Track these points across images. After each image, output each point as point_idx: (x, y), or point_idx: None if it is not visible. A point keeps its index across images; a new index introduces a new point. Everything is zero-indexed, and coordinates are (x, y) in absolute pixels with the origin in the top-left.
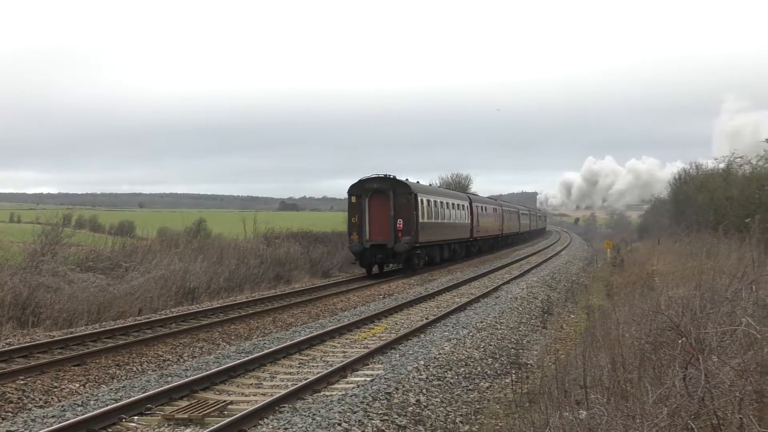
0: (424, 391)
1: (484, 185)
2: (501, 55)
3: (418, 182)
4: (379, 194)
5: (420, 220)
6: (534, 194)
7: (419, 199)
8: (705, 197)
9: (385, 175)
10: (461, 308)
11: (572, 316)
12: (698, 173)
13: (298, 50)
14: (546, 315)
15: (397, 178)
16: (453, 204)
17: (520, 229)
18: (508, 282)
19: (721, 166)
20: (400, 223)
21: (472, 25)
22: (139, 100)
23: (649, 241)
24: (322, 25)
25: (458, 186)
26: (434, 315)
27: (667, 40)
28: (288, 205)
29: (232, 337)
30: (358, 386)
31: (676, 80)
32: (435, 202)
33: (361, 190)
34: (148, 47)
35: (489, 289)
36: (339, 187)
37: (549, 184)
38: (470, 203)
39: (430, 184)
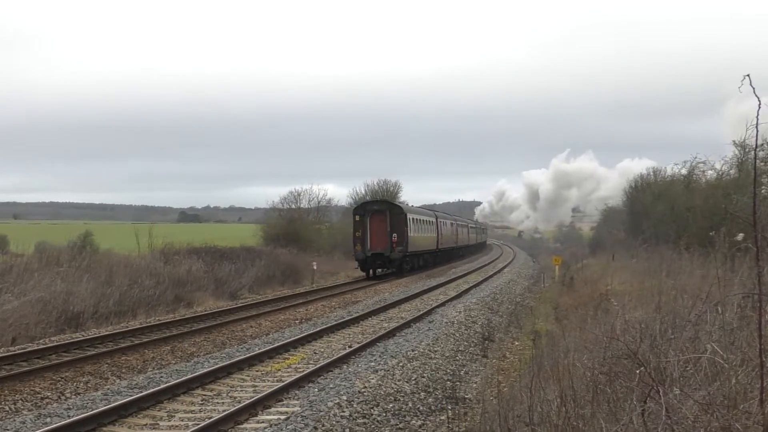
0: (348, 430)
1: (416, 194)
2: (446, 36)
3: (407, 204)
4: (378, 214)
5: (409, 234)
6: (474, 204)
7: (409, 217)
8: (664, 207)
9: (383, 200)
10: (390, 334)
11: (516, 343)
12: (656, 180)
13: (200, 32)
14: (486, 342)
15: (393, 202)
16: (427, 220)
17: (469, 242)
18: (443, 304)
19: (683, 172)
20: (394, 236)
21: (402, 2)
22: (8, 93)
23: (602, 256)
24: (227, 5)
25: (387, 194)
26: (359, 342)
27: (658, 25)
28: (189, 216)
29: (124, 370)
30: (271, 426)
31: (666, 72)
32: (417, 219)
33: (364, 210)
34: (18, 29)
35: (421, 312)
36: (250, 195)
37: (490, 191)
38: (436, 219)
39: (365, 193)
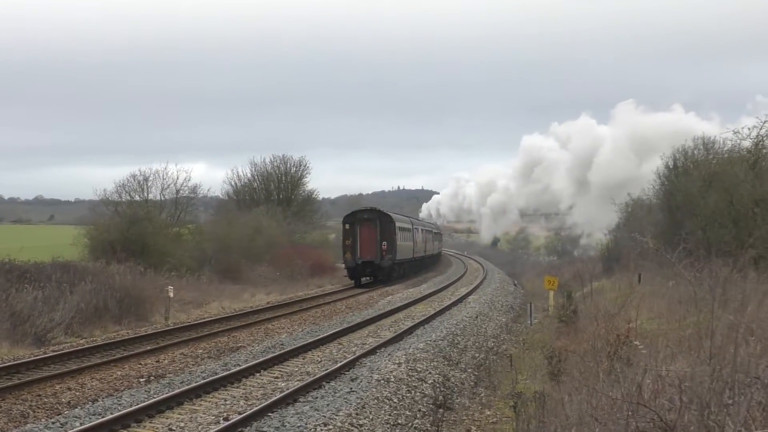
0: None
1: (333, 177)
2: None
3: (395, 213)
4: (368, 222)
5: (397, 243)
6: (422, 194)
7: (396, 225)
8: (719, 199)
9: (372, 208)
10: (288, 399)
11: (488, 412)
12: (707, 157)
13: None
14: (442, 411)
15: (382, 210)
16: (407, 228)
17: (434, 250)
18: (372, 351)
19: (745, 144)
20: (384, 245)
21: None
22: None
23: (621, 276)
24: None
25: (288, 178)
26: (240, 412)
27: None
28: None
29: None
30: None
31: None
32: (402, 227)
33: (354, 219)
34: None
35: (339, 364)
36: (68, 180)
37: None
38: (412, 225)
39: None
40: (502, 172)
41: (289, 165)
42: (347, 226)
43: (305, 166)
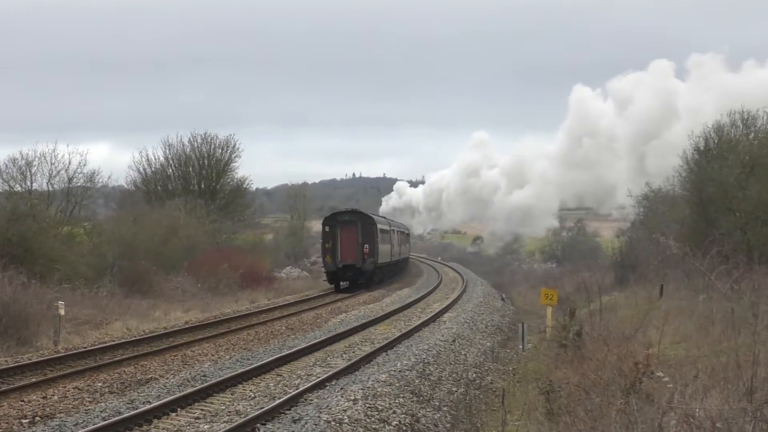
0: None
1: (273, 162)
2: None
3: (376, 215)
4: (349, 224)
5: (379, 246)
6: (385, 183)
7: (378, 228)
8: (763, 190)
9: (354, 210)
10: None
11: None
12: (747, 136)
13: None
14: None
15: (364, 212)
16: (386, 230)
17: (408, 254)
18: (320, 385)
19: None
20: (366, 248)
21: None
22: None
23: (639, 288)
24: None
25: (212, 161)
26: None
27: None
28: None
29: None
30: None
31: None
32: (382, 229)
33: (334, 221)
34: None
35: (278, 401)
36: None
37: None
38: (389, 227)
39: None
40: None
41: (213, 146)
42: (327, 229)
43: (234, 147)
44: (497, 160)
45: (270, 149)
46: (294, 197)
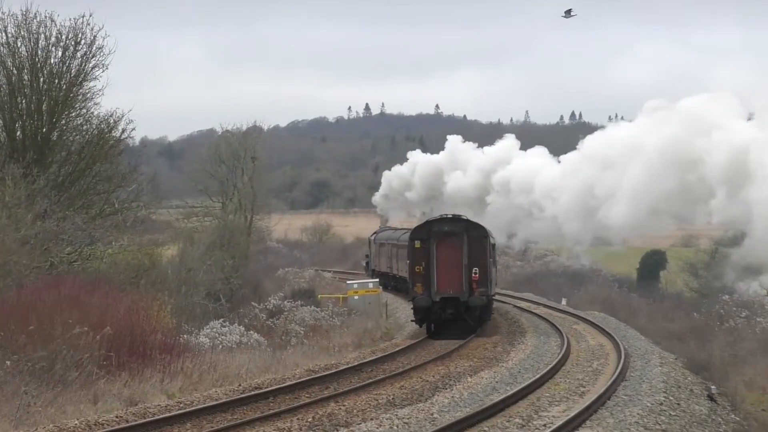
0: None
1: (205, 88)
2: None
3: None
4: (450, 237)
5: (492, 269)
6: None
7: (490, 242)
8: None
9: (457, 216)
10: None
11: None
12: None
13: None
14: None
15: (469, 220)
16: (494, 244)
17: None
18: None
19: None
20: (475, 272)
21: None
22: None
23: None
24: None
25: (52, 79)
26: None
27: None
28: None
29: None
30: None
31: None
32: (494, 244)
33: (427, 232)
34: None
35: None
36: None
37: None
38: (493, 237)
39: None
40: None
41: (45, 40)
42: (417, 244)
43: (94, 44)
44: None
45: (190, 60)
46: (233, 158)
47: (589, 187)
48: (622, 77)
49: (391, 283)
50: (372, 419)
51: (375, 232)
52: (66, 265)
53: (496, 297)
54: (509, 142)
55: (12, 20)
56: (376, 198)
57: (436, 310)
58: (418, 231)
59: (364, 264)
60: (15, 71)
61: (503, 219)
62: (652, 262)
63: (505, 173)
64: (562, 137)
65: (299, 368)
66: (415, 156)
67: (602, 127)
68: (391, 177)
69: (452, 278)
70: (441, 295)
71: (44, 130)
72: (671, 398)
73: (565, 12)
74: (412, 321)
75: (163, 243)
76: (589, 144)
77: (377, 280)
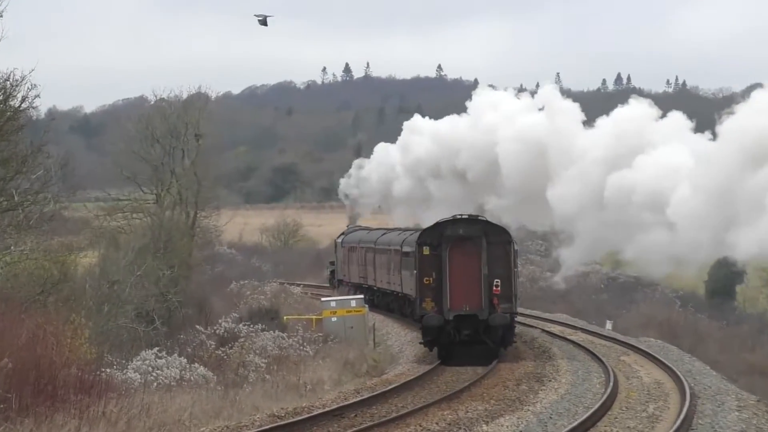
0: None
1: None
2: None
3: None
4: (465, 242)
5: (516, 281)
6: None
7: (514, 248)
8: None
9: (474, 216)
10: None
11: None
12: None
13: None
14: None
15: (488, 220)
16: (517, 250)
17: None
18: None
19: None
20: (497, 284)
21: None
22: None
23: None
24: None
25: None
26: None
27: None
28: None
29: None
30: None
31: None
32: (516, 251)
33: (439, 237)
34: None
35: None
36: None
37: None
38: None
39: None
40: None
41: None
42: (426, 251)
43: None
44: None
45: (115, 5)
46: (170, 135)
47: (727, 189)
48: (685, 31)
49: (366, 297)
50: None
51: (342, 233)
52: None
53: (518, 318)
54: (641, 108)
55: None
56: (345, 186)
57: (450, 330)
58: (426, 235)
59: (328, 273)
60: None
61: (598, 235)
62: (725, 274)
63: (629, 175)
64: (605, 108)
65: (260, 413)
66: (416, 124)
67: (657, 93)
68: (375, 162)
69: (469, 292)
70: (455, 313)
71: None
72: None
73: None
74: (420, 343)
75: (78, 248)
76: (737, 122)
77: (362, 297)
